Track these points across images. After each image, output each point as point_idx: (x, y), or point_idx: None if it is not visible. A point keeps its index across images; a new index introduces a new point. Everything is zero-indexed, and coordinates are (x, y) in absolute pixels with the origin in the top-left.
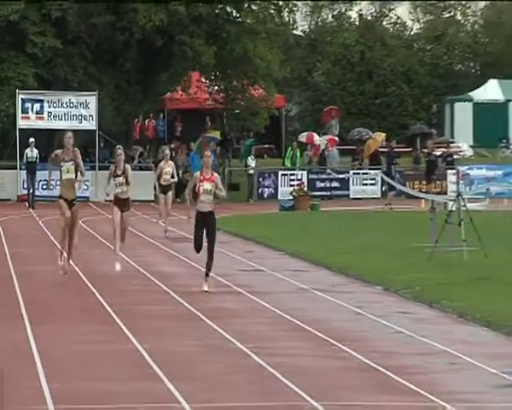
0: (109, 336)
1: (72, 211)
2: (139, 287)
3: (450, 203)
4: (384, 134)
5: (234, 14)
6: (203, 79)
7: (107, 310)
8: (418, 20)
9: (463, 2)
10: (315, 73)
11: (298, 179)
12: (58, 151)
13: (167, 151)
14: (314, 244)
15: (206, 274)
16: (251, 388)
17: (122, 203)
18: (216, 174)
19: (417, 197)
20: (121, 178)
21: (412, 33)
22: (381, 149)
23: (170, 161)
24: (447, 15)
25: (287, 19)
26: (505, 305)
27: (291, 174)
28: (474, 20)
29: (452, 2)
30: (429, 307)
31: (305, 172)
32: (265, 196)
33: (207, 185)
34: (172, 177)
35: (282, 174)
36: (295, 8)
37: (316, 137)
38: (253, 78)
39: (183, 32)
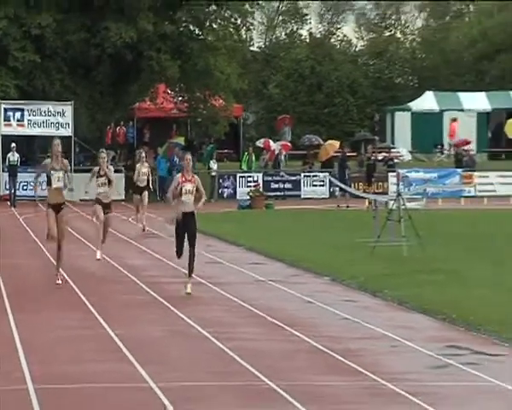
0: (85, 323)
1: (59, 215)
2: (112, 279)
3: (391, 202)
4: (339, 141)
5: (196, 32)
6: (169, 91)
7: (84, 300)
8: (362, 38)
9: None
10: (269, 86)
11: (254, 181)
12: (47, 160)
13: (143, 154)
14: (269, 240)
15: (189, 275)
16: (212, 369)
17: (105, 206)
18: (196, 176)
19: (362, 197)
20: (104, 178)
21: (357, 49)
22: (333, 154)
23: (145, 163)
24: (388, 34)
25: (244, 36)
26: (441, 294)
27: (248, 176)
28: (413, 38)
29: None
30: (372, 295)
31: (260, 175)
32: (225, 195)
33: (188, 186)
34: (148, 178)
35: (240, 176)
36: (252, 27)
37: (271, 143)
38: (214, 89)
39: (151, 48)
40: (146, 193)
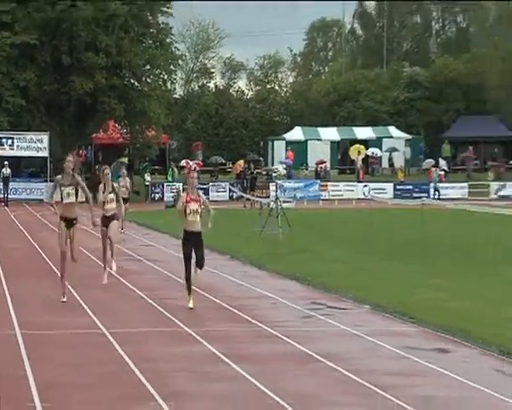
0: (56, 286)
1: (71, 230)
2: (80, 261)
3: (272, 203)
4: (243, 161)
5: (136, 84)
6: (116, 125)
7: (56, 273)
8: (251, 89)
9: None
10: (187, 122)
11: (176, 188)
12: (58, 177)
13: (124, 170)
14: (174, 226)
15: (189, 293)
16: (148, 320)
17: (108, 220)
18: (201, 194)
19: (248, 199)
20: (112, 195)
21: (248, 97)
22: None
23: (126, 178)
24: (269, 87)
25: (169, 87)
26: (306, 267)
27: (172, 185)
28: (286, 90)
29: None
30: (259, 268)
31: (181, 184)
32: (156, 198)
33: (194, 206)
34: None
35: (167, 185)
36: (175, 81)
37: (189, 161)
38: (148, 124)
39: (104, 95)
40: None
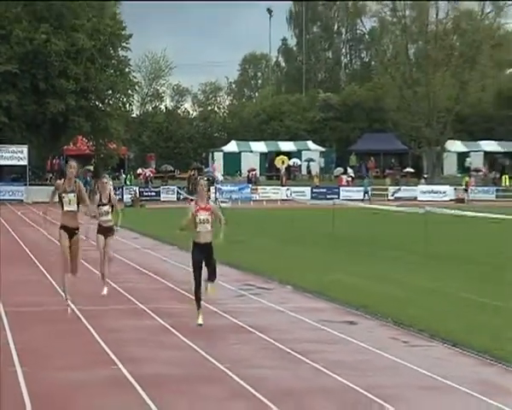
0: (34, 271)
1: (72, 241)
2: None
3: (212, 203)
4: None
5: (100, 106)
6: (84, 139)
7: (34, 260)
8: (195, 110)
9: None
10: (142, 136)
11: (133, 191)
12: (59, 181)
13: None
14: (141, 223)
15: (198, 307)
16: (110, 298)
17: (106, 230)
18: (212, 203)
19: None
20: (107, 207)
21: (193, 116)
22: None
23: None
24: (210, 108)
25: (128, 108)
26: (241, 255)
27: (130, 188)
28: (224, 110)
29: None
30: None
31: (137, 187)
32: (117, 199)
33: (203, 215)
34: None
35: (126, 188)
36: (132, 102)
37: (145, 169)
38: (110, 139)
39: (74, 114)
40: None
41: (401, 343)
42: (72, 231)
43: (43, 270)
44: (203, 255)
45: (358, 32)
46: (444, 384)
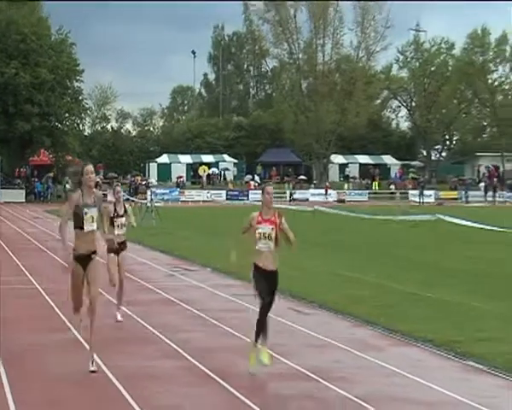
0: (5, 257)
1: (89, 268)
2: (23, 246)
3: (148, 203)
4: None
5: (59, 126)
6: (46, 152)
7: (4, 246)
8: (135, 129)
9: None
10: (93, 150)
11: None
12: (75, 194)
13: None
14: None
15: (255, 340)
16: (66, 278)
17: (119, 246)
18: (279, 214)
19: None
20: (123, 218)
21: (133, 134)
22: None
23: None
24: (146, 128)
25: (81, 128)
26: (171, 243)
27: None
28: (158, 129)
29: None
30: (138, 244)
31: None
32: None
33: (266, 228)
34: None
35: None
36: (85, 124)
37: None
38: (67, 152)
39: (37, 133)
40: None
41: (295, 312)
42: (88, 258)
43: (12, 256)
44: (266, 284)
45: (263, 69)
46: (327, 342)
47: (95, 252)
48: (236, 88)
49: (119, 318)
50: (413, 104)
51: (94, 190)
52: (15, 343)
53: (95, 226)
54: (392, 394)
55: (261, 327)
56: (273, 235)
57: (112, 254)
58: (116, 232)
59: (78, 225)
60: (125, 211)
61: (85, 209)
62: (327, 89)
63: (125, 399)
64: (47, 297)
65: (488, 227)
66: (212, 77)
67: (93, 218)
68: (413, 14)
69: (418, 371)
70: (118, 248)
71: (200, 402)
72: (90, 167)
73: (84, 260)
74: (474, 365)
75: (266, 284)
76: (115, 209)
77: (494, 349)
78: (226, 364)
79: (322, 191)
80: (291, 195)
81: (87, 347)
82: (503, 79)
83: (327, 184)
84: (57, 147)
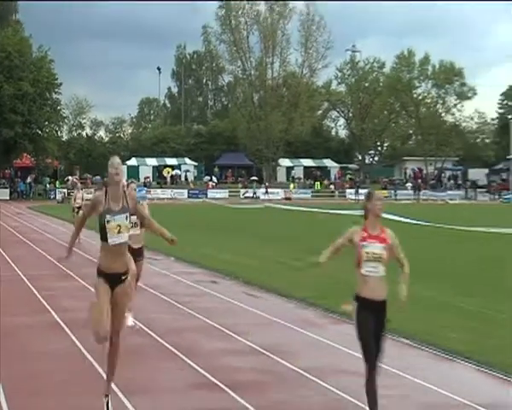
0: None
1: (117, 293)
2: (8, 238)
3: None
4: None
5: (40, 133)
6: (28, 156)
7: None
8: (107, 136)
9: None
10: (70, 154)
11: (63, 192)
12: (99, 193)
13: (78, 184)
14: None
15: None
16: (44, 267)
17: (134, 253)
18: (389, 230)
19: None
20: (134, 217)
21: (105, 141)
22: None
23: (81, 190)
24: (117, 135)
25: (60, 134)
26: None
27: (60, 190)
28: (127, 136)
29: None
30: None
31: (66, 189)
32: (51, 197)
33: (377, 248)
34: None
35: (58, 190)
36: (62, 131)
37: (71, 177)
38: (47, 155)
39: (20, 139)
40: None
41: (248, 295)
42: (117, 279)
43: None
44: (374, 321)
45: (220, 84)
46: (273, 321)
47: (125, 273)
48: (196, 100)
49: (131, 322)
50: (350, 115)
51: (125, 188)
52: (1, 325)
53: (124, 238)
54: (332, 366)
55: (373, 395)
56: (385, 256)
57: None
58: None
59: (102, 236)
60: (137, 211)
61: (108, 216)
62: (275, 101)
63: (97, 372)
64: (29, 283)
65: (414, 221)
66: (175, 90)
67: (120, 227)
68: (350, 36)
69: (352, 345)
70: (133, 255)
71: (168, 376)
72: (116, 160)
73: (111, 280)
74: (402, 340)
75: (374, 320)
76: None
77: (406, 325)
78: (190, 342)
79: (272, 190)
80: (254, 193)
81: (65, 327)
82: (425, 94)
83: (266, 184)
84: (38, 151)
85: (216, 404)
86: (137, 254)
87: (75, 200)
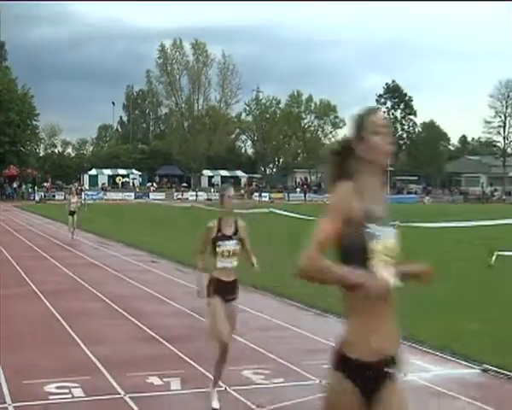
0: None
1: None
2: (2, 230)
3: (83, 201)
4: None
5: (23, 150)
6: (14, 167)
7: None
8: (74, 152)
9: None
10: (45, 166)
11: (40, 194)
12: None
13: (73, 189)
14: (47, 210)
15: None
16: (25, 250)
17: (229, 289)
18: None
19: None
20: (234, 242)
21: (72, 156)
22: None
23: (76, 196)
24: (82, 152)
25: (38, 151)
26: (96, 226)
27: (38, 193)
28: (89, 152)
29: None
30: (83, 230)
31: (42, 192)
32: (31, 198)
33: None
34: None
35: (37, 192)
36: (40, 149)
37: (46, 183)
38: (28, 167)
39: (8, 154)
40: (75, 216)
41: (178, 271)
42: (228, 299)
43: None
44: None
45: (159, 114)
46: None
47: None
48: (141, 126)
49: (216, 405)
50: (255, 138)
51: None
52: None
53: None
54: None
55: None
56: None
57: (220, 300)
58: (220, 265)
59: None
60: (237, 231)
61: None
62: (200, 127)
63: (66, 330)
64: (14, 264)
65: (304, 217)
66: (125, 118)
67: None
68: (255, 80)
69: (265, 310)
70: (226, 292)
71: (118, 331)
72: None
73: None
74: (291, 301)
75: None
76: (219, 228)
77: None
78: (135, 306)
79: (198, 193)
80: (177, 196)
81: (42, 297)
82: (309, 123)
83: (181, 188)
84: (21, 164)
85: (155, 351)
86: (231, 291)
87: (70, 203)
